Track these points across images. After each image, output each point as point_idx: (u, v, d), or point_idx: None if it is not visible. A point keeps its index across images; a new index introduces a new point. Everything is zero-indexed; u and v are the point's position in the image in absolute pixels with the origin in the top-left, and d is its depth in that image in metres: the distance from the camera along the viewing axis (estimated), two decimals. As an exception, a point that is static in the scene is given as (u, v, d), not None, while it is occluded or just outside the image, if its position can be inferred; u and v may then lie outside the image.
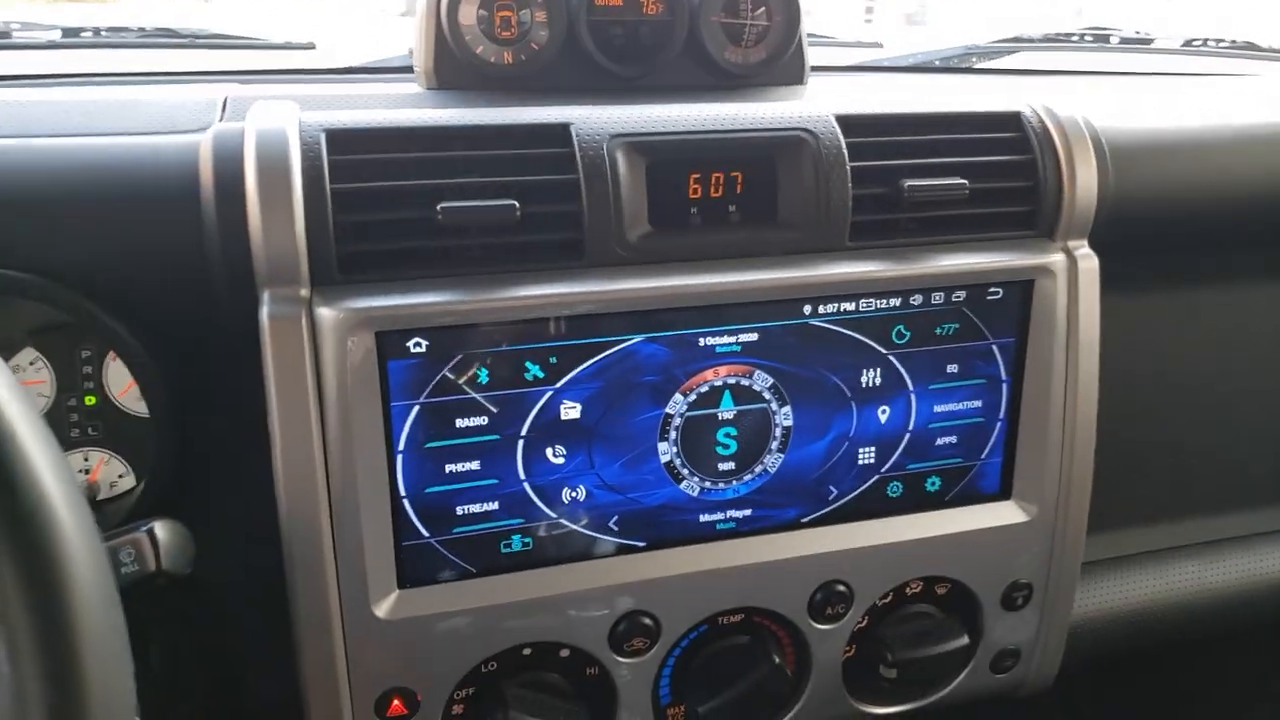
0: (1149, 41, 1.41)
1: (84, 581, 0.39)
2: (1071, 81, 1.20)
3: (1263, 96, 1.07)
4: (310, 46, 1.12)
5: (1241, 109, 0.93)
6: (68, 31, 1.10)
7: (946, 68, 1.28)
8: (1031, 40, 1.36)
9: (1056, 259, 0.75)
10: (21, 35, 1.09)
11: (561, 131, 0.66)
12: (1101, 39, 1.39)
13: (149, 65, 1.03)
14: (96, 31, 1.11)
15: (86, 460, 0.69)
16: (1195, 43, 1.44)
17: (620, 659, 0.71)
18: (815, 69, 0.90)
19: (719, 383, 0.69)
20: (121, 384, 0.70)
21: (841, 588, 0.75)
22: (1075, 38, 1.39)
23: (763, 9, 0.84)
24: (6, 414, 0.38)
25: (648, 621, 0.71)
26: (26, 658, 0.37)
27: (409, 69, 0.90)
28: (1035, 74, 1.29)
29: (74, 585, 0.38)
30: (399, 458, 0.64)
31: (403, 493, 0.65)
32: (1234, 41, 1.48)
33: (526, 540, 0.69)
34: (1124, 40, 1.40)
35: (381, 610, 0.65)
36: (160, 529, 0.54)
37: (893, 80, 1.16)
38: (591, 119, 0.67)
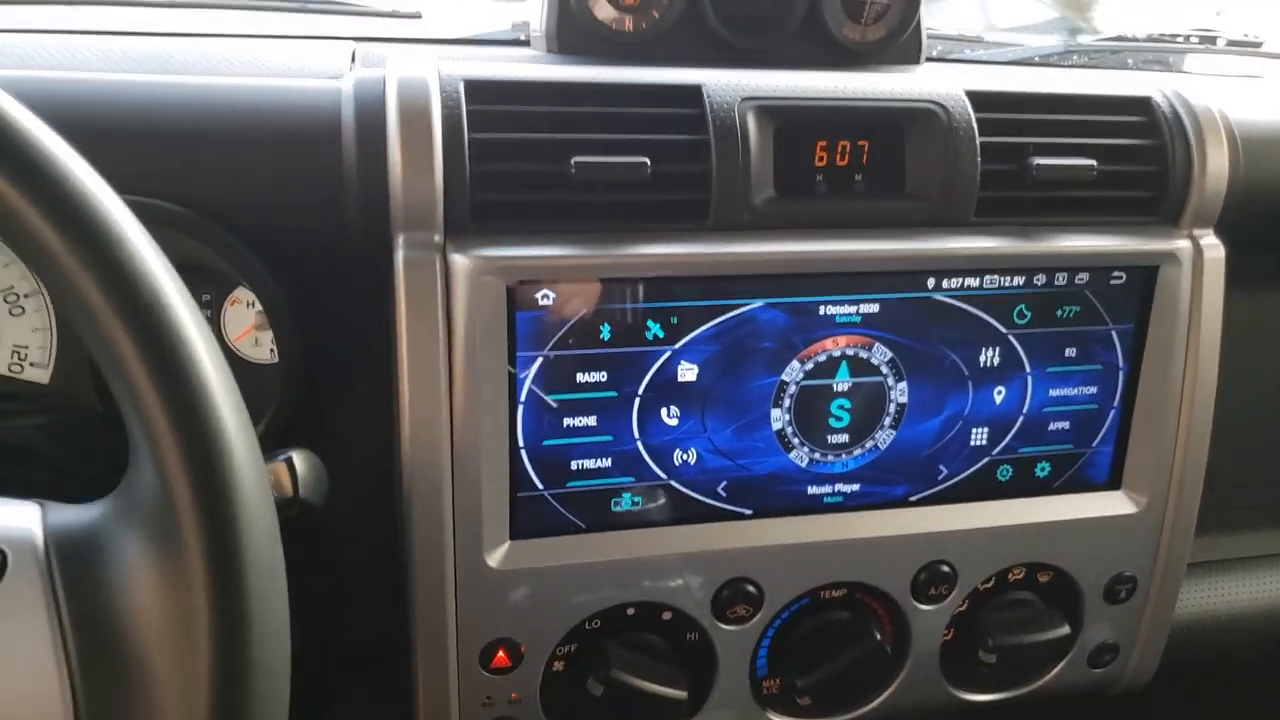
0: (1258, 45, 1.38)
1: (253, 505, 0.39)
2: (1183, 79, 1.18)
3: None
4: (417, 15, 1.13)
5: None
6: (178, -8, 1.12)
7: (1047, 63, 1.25)
8: (1135, 40, 1.33)
9: (1182, 245, 0.73)
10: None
11: (694, 93, 0.66)
12: (1208, 40, 1.36)
13: (257, 29, 1.05)
14: None
15: None
16: (1309, 46, 1.39)
17: (722, 625, 0.71)
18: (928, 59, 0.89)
19: (837, 353, 0.69)
20: (239, 329, 0.71)
21: (945, 569, 0.74)
22: (1181, 39, 1.36)
23: (884, -14, 0.83)
24: (190, 333, 0.39)
25: (751, 589, 0.71)
26: (198, 583, 0.38)
27: (519, 42, 0.91)
28: (1139, 72, 1.27)
29: (244, 511, 0.39)
30: (520, 408, 0.65)
31: (521, 444, 0.66)
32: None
33: (636, 499, 0.69)
34: (1231, 42, 1.37)
35: (494, 560, 0.66)
36: (298, 458, 0.55)
37: (996, 71, 1.15)
38: (723, 82, 0.67)
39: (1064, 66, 1.26)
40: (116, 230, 0.38)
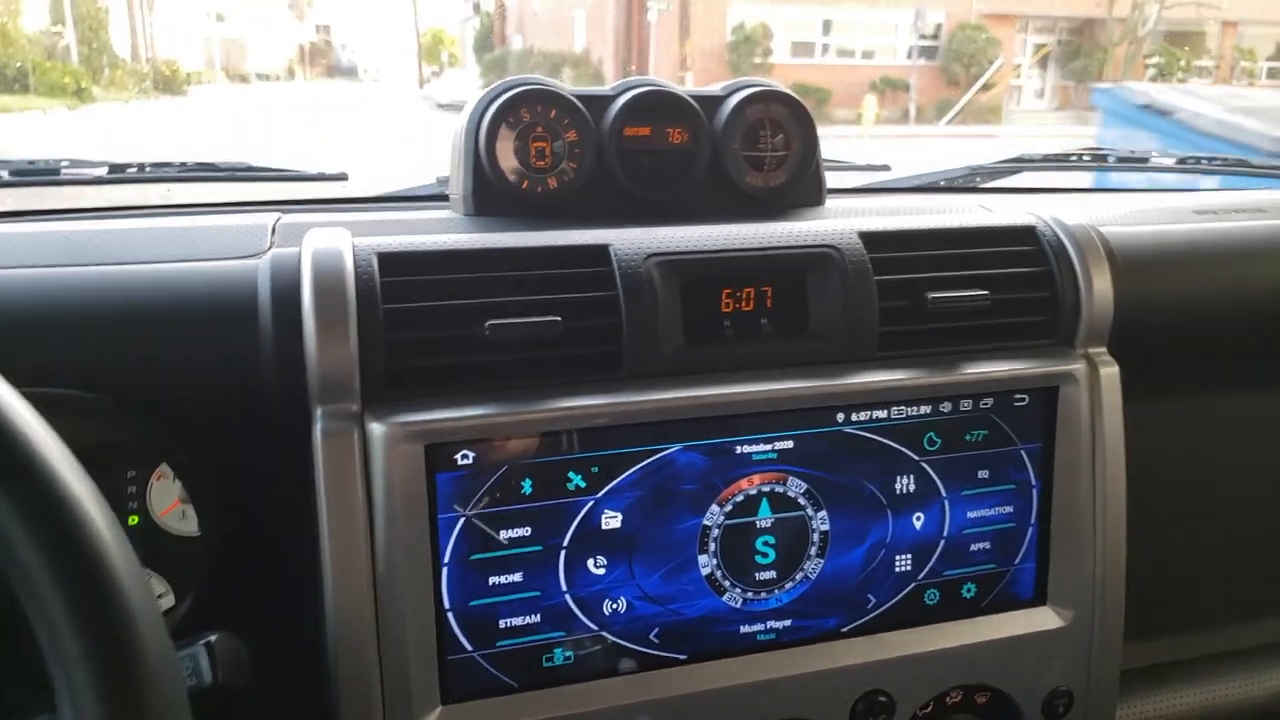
0: (1145, 160, 1.48)
1: (163, 695, 0.39)
2: (1076, 198, 1.25)
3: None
4: (343, 177, 1.18)
5: (1247, 218, 0.97)
6: (114, 168, 1.16)
7: (952, 187, 1.33)
8: (1033, 160, 1.42)
9: (1078, 366, 0.77)
10: (70, 172, 1.14)
11: (601, 252, 0.70)
12: (1099, 158, 1.45)
13: (192, 198, 1.09)
14: (141, 167, 1.16)
15: None
16: (1190, 160, 1.50)
17: None
18: (829, 191, 0.94)
19: (754, 491, 0.71)
20: (164, 504, 0.71)
21: (883, 698, 0.74)
22: (1074, 158, 1.45)
23: (781, 136, 0.89)
24: (97, 531, 0.40)
25: None
26: None
27: (440, 196, 0.95)
28: (1038, 192, 1.35)
29: (155, 698, 0.39)
30: (444, 570, 0.65)
31: (447, 605, 0.65)
32: (1225, 159, 1.55)
33: (568, 653, 0.69)
34: (1120, 159, 1.46)
35: None
36: (219, 643, 0.55)
37: (902, 200, 1.21)
38: (628, 240, 0.71)
39: (967, 190, 1.34)
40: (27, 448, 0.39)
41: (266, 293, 0.65)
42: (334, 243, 0.66)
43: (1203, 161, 1.58)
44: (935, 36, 17.78)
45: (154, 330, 0.65)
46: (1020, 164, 1.44)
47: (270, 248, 0.72)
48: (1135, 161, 1.55)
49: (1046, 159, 1.51)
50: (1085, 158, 1.53)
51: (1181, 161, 1.60)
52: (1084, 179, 1.51)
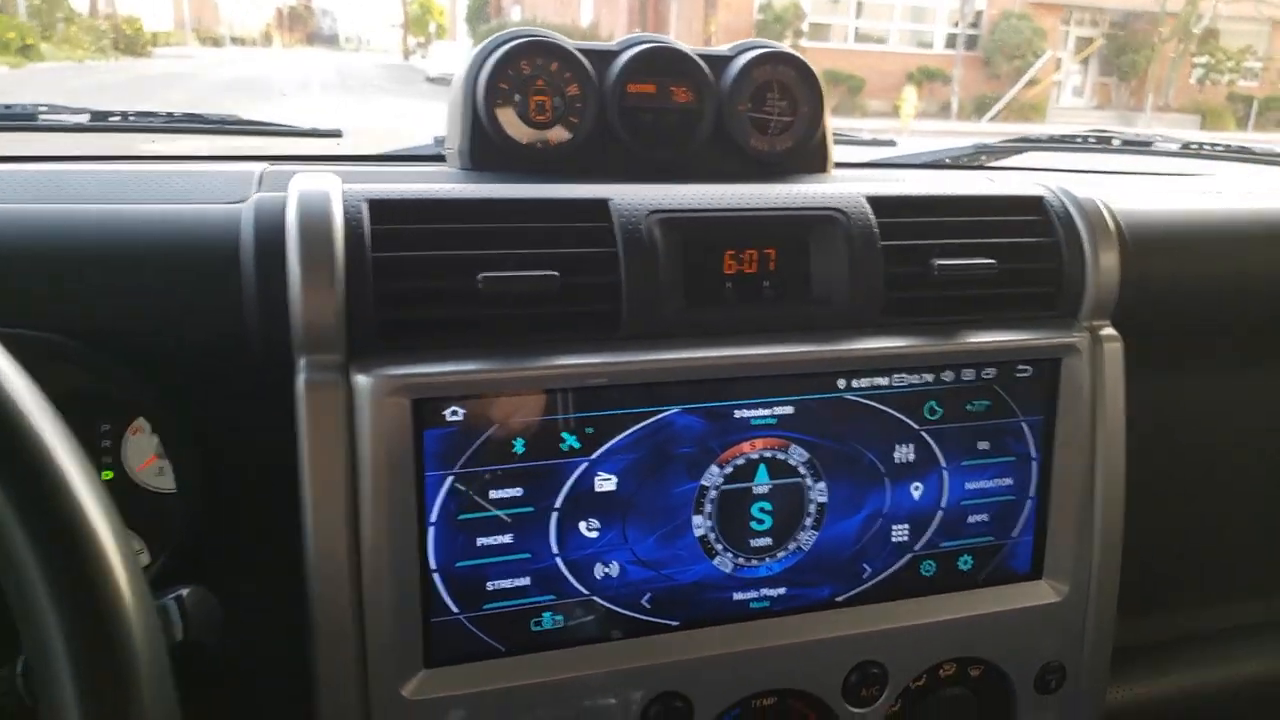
0: (1149, 144, 1.46)
1: (141, 650, 0.38)
2: (1080, 178, 1.24)
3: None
4: (337, 134, 1.15)
5: (1253, 198, 0.96)
6: (96, 115, 1.12)
7: (958, 165, 1.31)
8: (1038, 140, 1.41)
9: (1081, 338, 0.75)
10: (49, 118, 1.11)
11: (601, 207, 0.68)
12: (1104, 141, 1.44)
13: (177, 150, 1.06)
14: (125, 116, 1.13)
15: None
16: (1193, 146, 1.49)
17: None
18: (835, 165, 0.92)
19: (755, 455, 0.69)
20: (140, 458, 0.68)
21: (876, 669, 0.73)
22: (1079, 140, 1.44)
23: (788, 101, 0.87)
24: (75, 483, 0.38)
25: (680, 704, 0.69)
26: None
27: (438, 157, 0.92)
28: (1044, 171, 1.33)
29: (132, 651, 0.37)
30: (430, 530, 0.63)
31: (433, 566, 0.64)
32: (1229, 145, 1.54)
33: (558, 618, 0.67)
34: (1125, 142, 1.45)
35: (408, 690, 0.63)
36: (190, 597, 0.53)
37: (909, 174, 1.20)
38: (630, 195, 0.69)
39: (973, 168, 1.32)
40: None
41: (250, 237, 0.63)
42: (322, 186, 0.64)
43: (1205, 147, 1.58)
44: (975, 25, 16.92)
45: (131, 273, 0.63)
46: (1025, 144, 1.43)
47: (256, 194, 0.70)
48: (1139, 145, 1.54)
49: (1052, 139, 1.50)
50: (1090, 139, 1.52)
51: (1185, 147, 1.59)
52: (1089, 162, 1.49)
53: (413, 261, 0.63)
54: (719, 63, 0.83)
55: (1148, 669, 0.94)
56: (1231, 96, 17.44)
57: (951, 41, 16.60)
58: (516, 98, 0.80)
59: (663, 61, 0.81)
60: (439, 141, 0.95)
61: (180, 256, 0.64)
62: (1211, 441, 0.97)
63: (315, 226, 0.61)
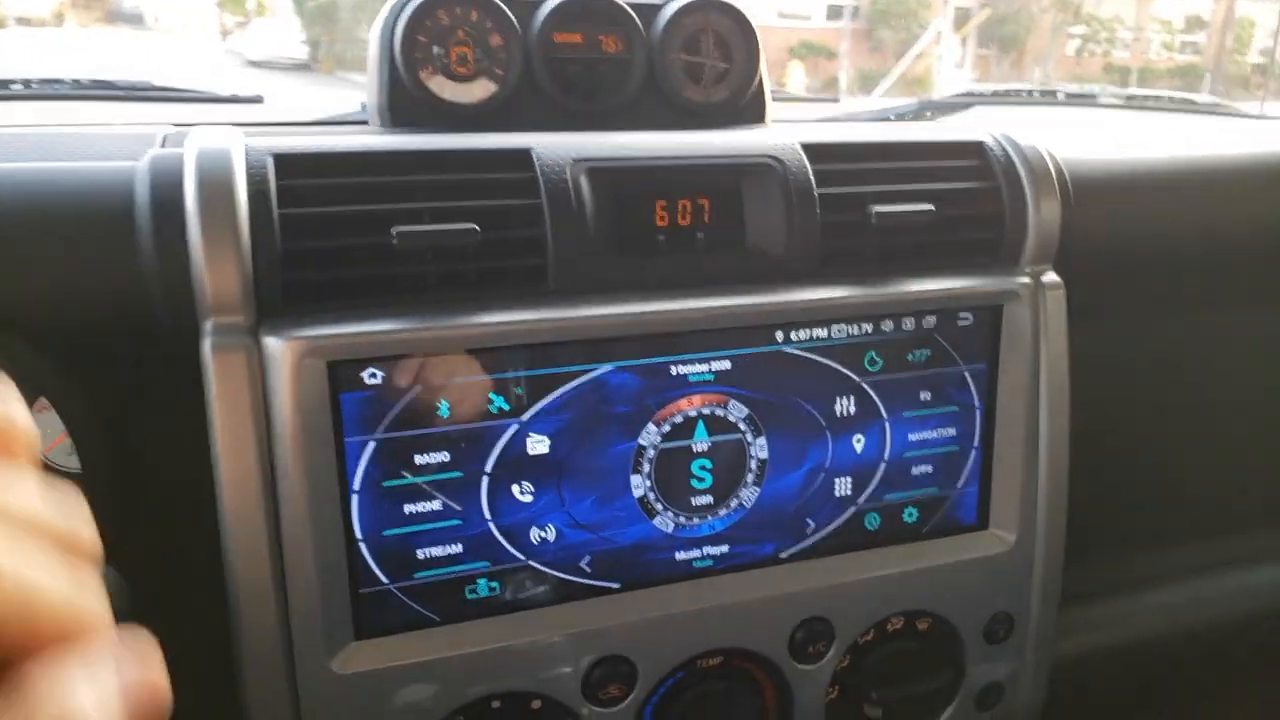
0: (1093, 97, 1.47)
1: None
2: (1025, 130, 1.24)
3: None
4: (258, 100, 1.10)
5: (1195, 145, 0.95)
6: (-11, 83, 1.06)
7: (902, 119, 1.30)
8: (983, 95, 1.40)
9: (1023, 283, 0.74)
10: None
11: (523, 156, 0.65)
12: (1049, 94, 1.44)
13: (85, 118, 1.00)
14: (27, 83, 1.07)
15: None
16: (1137, 99, 1.50)
17: (596, 708, 0.67)
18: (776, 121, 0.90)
19: (693, 412, 0.67)
20: (48, 438, 0.65)
21: (822, 625, 0.72)
22: (1024, 94, 1.44)
23: (722, 50, 0.84)
24: None
25: (624, 667, 0.67)
26: None
27: (364, 122, 0.89)
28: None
29: None
30: (354, 498, 0.61)
31: (358, 536, 0.61)
32: (1172, 98, 1.56)
33: (493, 584, 0.65)
34: (1070, 95, 1.45)
35: (338, 664, 0.61)
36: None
37: (841, 127, 1.18)
38: (554, 144, 0.66)
39: (917, 122, 1.31)
40: None
41: (145, 196, 0.59)
42: (223, 141, 0.60)
43: (1149, 100, 1.59)
44: (856, -5, 16.45)
45: (15, 237, 0.59)
46: (970, 99, 1.42)
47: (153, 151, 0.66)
48: (1084, 98, 1.54)
49: (995, 94, 1.50)
50: (1035, 93, 1.53)
51: (1129, 99, 1.60)
52: (1035, 116, 1.50)
53: (322, 218, 0.60)
54: (649, 11, 0.80)
55: (1097, 618, 0.94)
56: (1108, 68, 17.54)
57: (834, 13, 16.20)
58: (436, 50, 0.76)
59: (590, 9, 0.78)
60: (366, 108, 0.91)
61: (69, 219, 0.59)
62: (1159, 388, 0.97)
63: (216, 181, 0.57)
